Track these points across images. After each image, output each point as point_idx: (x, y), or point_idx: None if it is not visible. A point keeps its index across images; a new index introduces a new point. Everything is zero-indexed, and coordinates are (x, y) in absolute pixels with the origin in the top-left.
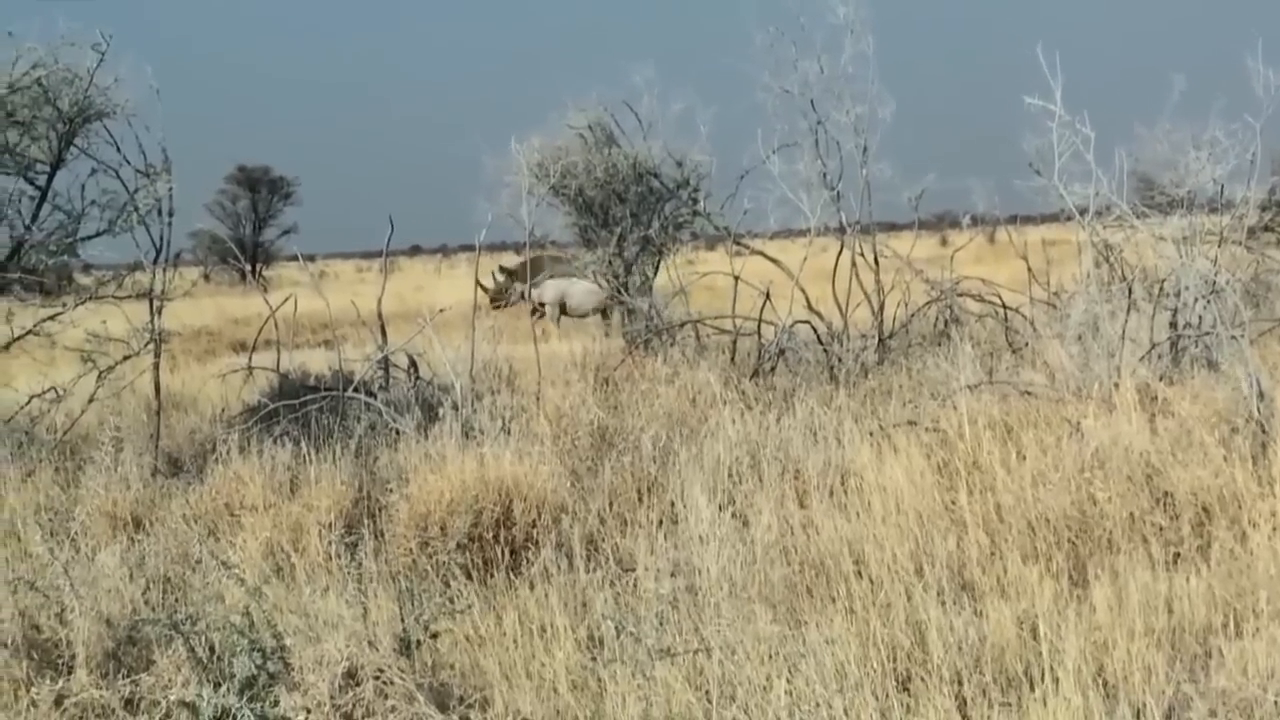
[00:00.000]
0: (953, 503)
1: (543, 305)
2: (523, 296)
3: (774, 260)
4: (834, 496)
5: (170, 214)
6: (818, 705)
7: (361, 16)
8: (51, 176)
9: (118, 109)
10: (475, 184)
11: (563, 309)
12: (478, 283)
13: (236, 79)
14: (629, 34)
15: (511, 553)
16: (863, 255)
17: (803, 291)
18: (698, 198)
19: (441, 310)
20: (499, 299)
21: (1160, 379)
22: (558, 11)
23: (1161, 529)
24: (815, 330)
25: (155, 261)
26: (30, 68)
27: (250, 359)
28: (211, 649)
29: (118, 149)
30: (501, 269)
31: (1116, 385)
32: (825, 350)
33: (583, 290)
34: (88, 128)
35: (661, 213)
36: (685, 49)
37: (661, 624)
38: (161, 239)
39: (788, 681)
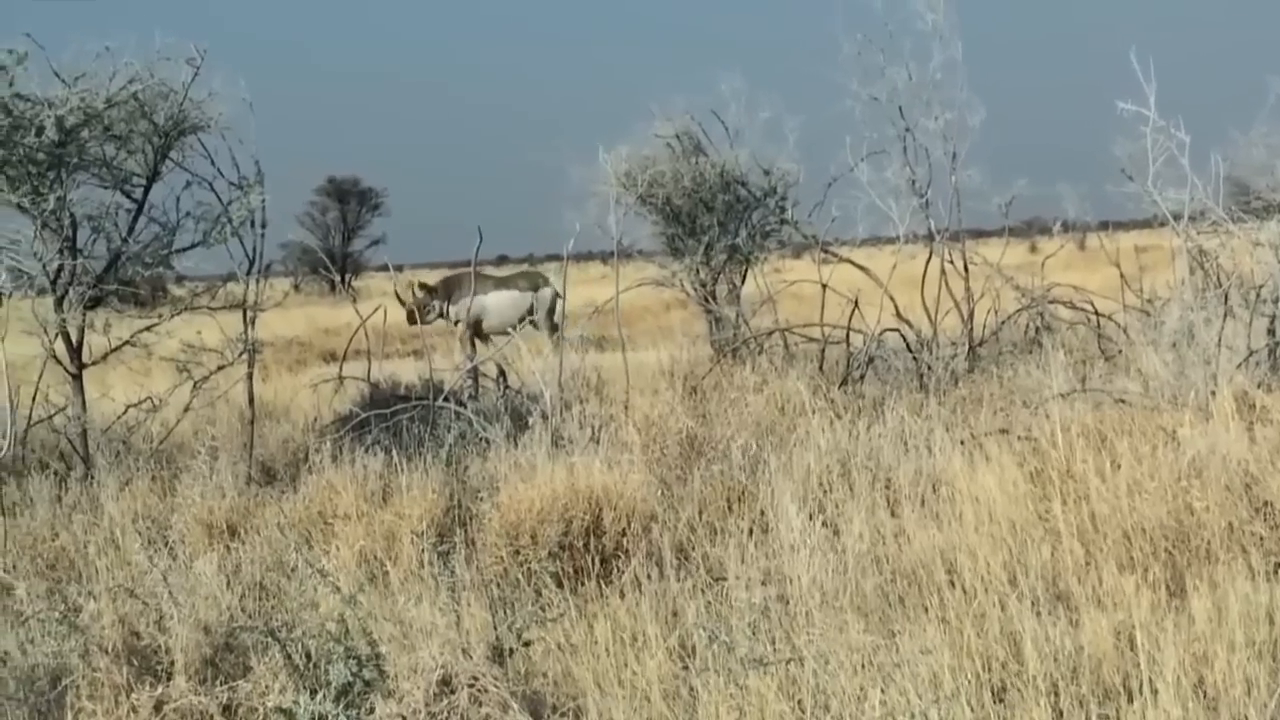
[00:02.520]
0: (1046, 512)
1: (456, 324)
2: (441, 315)
3: (862, 268)
4: (925, 505)
5: (263, 225)
6: (913, 716)
7: (451, 27)
8: (148, 190)
9: (212, 122)
10: (562, 194)
11: (477, 329)
12: (397, 297)
13: (328, 93)
14: (716, 43)
15: (602, 561)
16: (952, 262)
17: (891, 299)
18: (785, 206)
19: (532, 320)
20: (414, 316)
21: (1258, 386)
22: (643, 21)
23: (1261, 539)
24: (904, 338)
25: (248, 273)
26: (127, 82)
27: (340, 369)
28: (308, 656)
29: (212, 162)
30: (421, 285)
31: (1213, 393)
32: (915, 358)
33: (503, 303)
34: (182, 141)
35: (749, 221)
36: (772, 57)
37: (754, 633)
38: (255, 250)
39: (882, 692)
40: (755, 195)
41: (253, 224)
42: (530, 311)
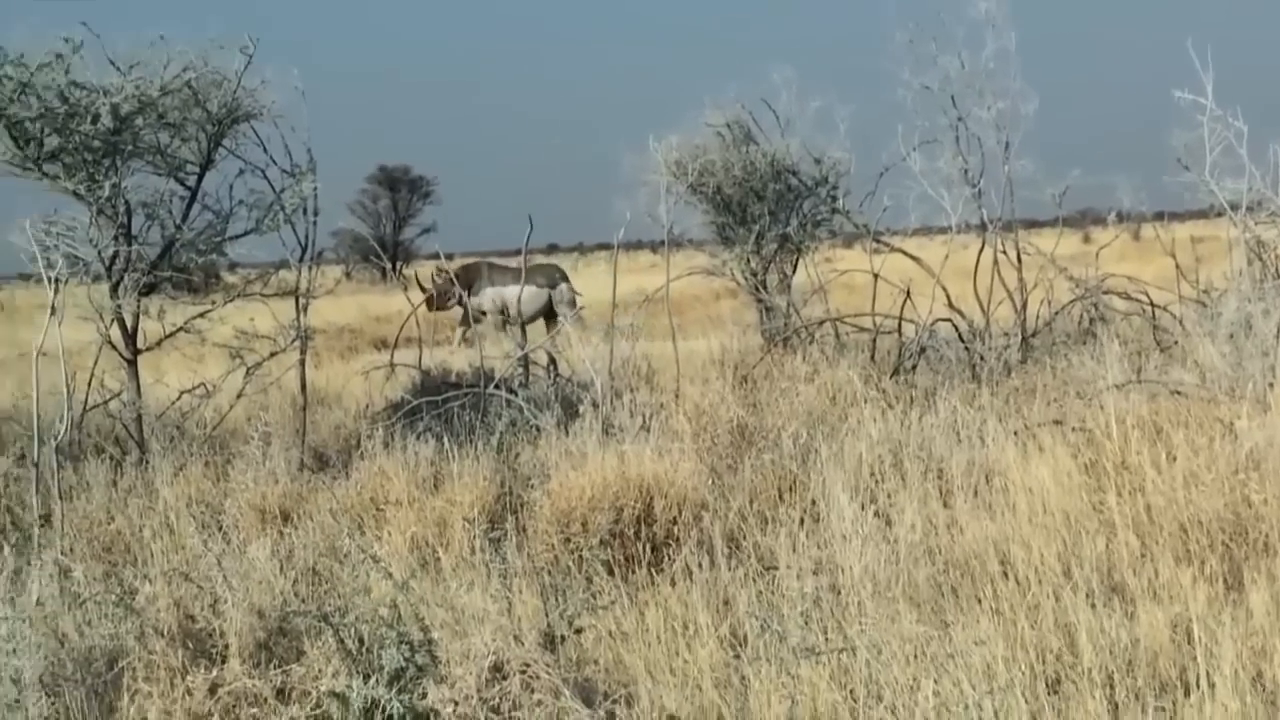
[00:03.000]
0: (1101, 503)
1: (483, 314)
2: (460, 303)
3: (914, 257)
4: (978, 496)
5: (315, 213)
6: (966, 707)
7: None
8: (201, 177)
9: (264, 110)
10: (612, 183)
11: (505, 316)
12: (419, 284)
13: (378, 79)
14: (766, 31)
15: (653, 549)
16: (1004, 252)
17: (944, 289)
18: (836, 195)
19: (581, 308)
20: (436, 302)
21: None
22: (693, 10)
23: None
24: (956, 328)
25: (301, 260)
26: (180, 71)
27: (391, 356)
28: (360, 641)
29: (264, 150)
30: (443, 271)
31: (1271, 385)
32: (967, 348)
33: (525, 296)
34: (235, 129)
35: (800, 210)
36: (823, 46)
37: (806, 622)
38: (307, 238)
39: (935, 682)
40: (806, 184)
41: (305, 211)
42: (549, 305)
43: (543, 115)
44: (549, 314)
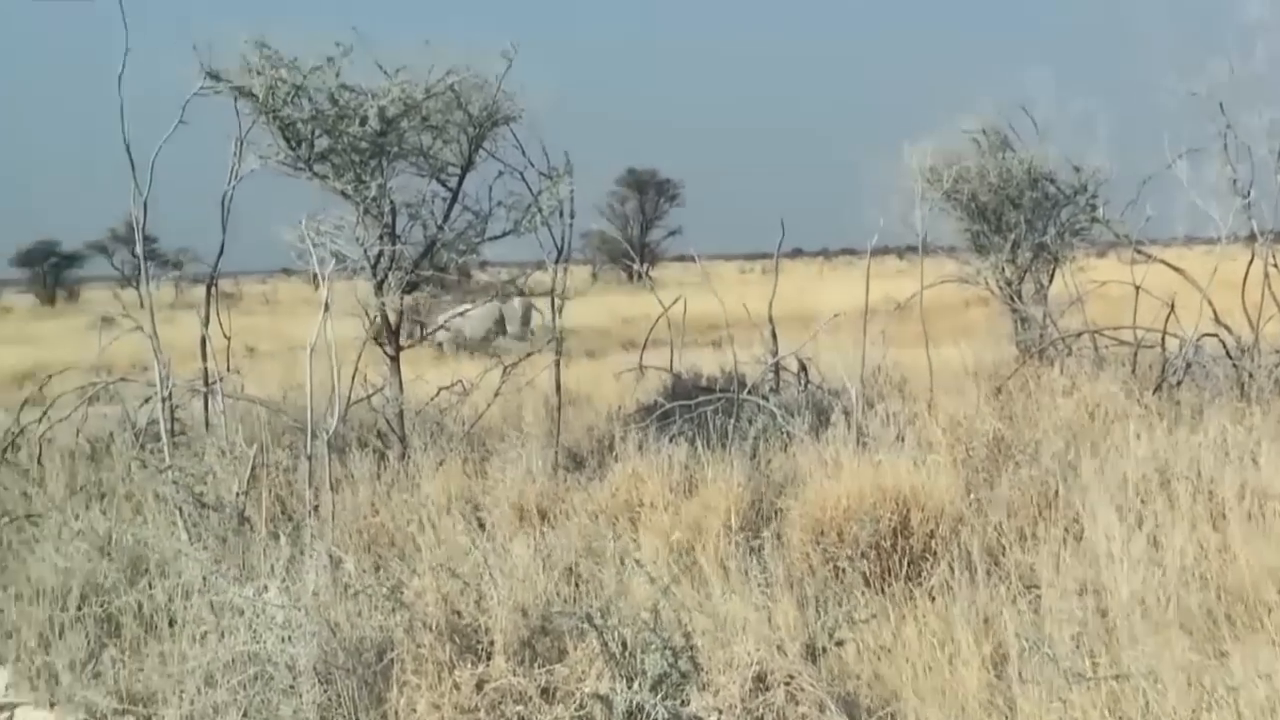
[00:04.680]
0: None
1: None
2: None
3: (1177, 269)
4: (1252, 521)
5: (572, 216)
6: None
7: (746, 18)
8: (462, 178)
9: (523, 113)
10: (860, 188)
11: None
12: (366, 314)
13: (628, 83)
14: (1023, 36)
15: (909, 562)
16: (1276, 265)
17: (1209, 303)
18: (1096, 204)
19: (836, 315)
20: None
21: None
22: (948, 14)
23: None
24: (1224, 344)
25: (556, 261)
26: (444, 74)
27: (641, 358)
28: (624, 644)
29: (523, 152)
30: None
31: None
32: (1235, 365)
33: (474, 319)
34: (495, 131)
35: (1057, 219)
36: (1084, 52)
37: (1076, 646)
38: (563, 239)
39: (1215, 716)
40: (1064, 193)
41: (561, 214)
42: (501, 321)
43: (789, 118)
44: (512, 329)
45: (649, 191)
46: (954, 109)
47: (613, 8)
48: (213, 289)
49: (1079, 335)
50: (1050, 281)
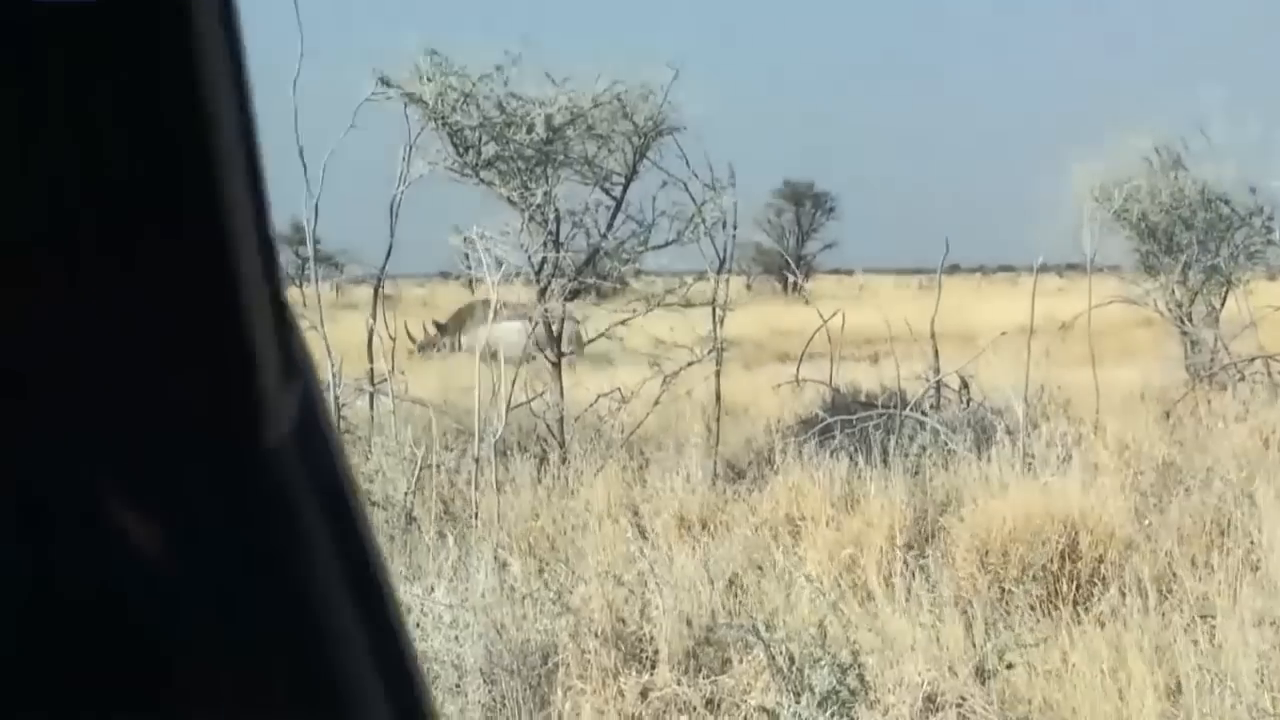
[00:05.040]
0: None
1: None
2: (451, 349)
3: None
4: None
5: (735, 227)
6: None
7: (902, 29)
8: (626, 187)
9: (686, 125)
10: (1024, 205)
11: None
12: (407, 332)
13: (787, 92)
14: (1195, 55)
15: (1077, 587)
16: None
17: None
18: (1273, 226)
19: (1003, 334)
20: (424, 349)
21: None
22: (1119, 30)
23: None
24: None
25: (719, 272)
26: (610, 83)
27: (798, 371)
28: (791, 659)
29: (686, 163)
30: (435, 323)
31: None
32: None
33: (510, 332)
34: (659, 141)
35: (1231, 241)
36: (1259, 72)
37: (1260, 680)
38: (725, 250)
39: None
40: (1240, 214)
41: (724, 225)
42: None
43: (949, 131)
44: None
45: (805, 203)
46: (1124, 126)
47: (779, 18)
48: (379, 290)
49: (1252, 360)
50: (1222, 304)
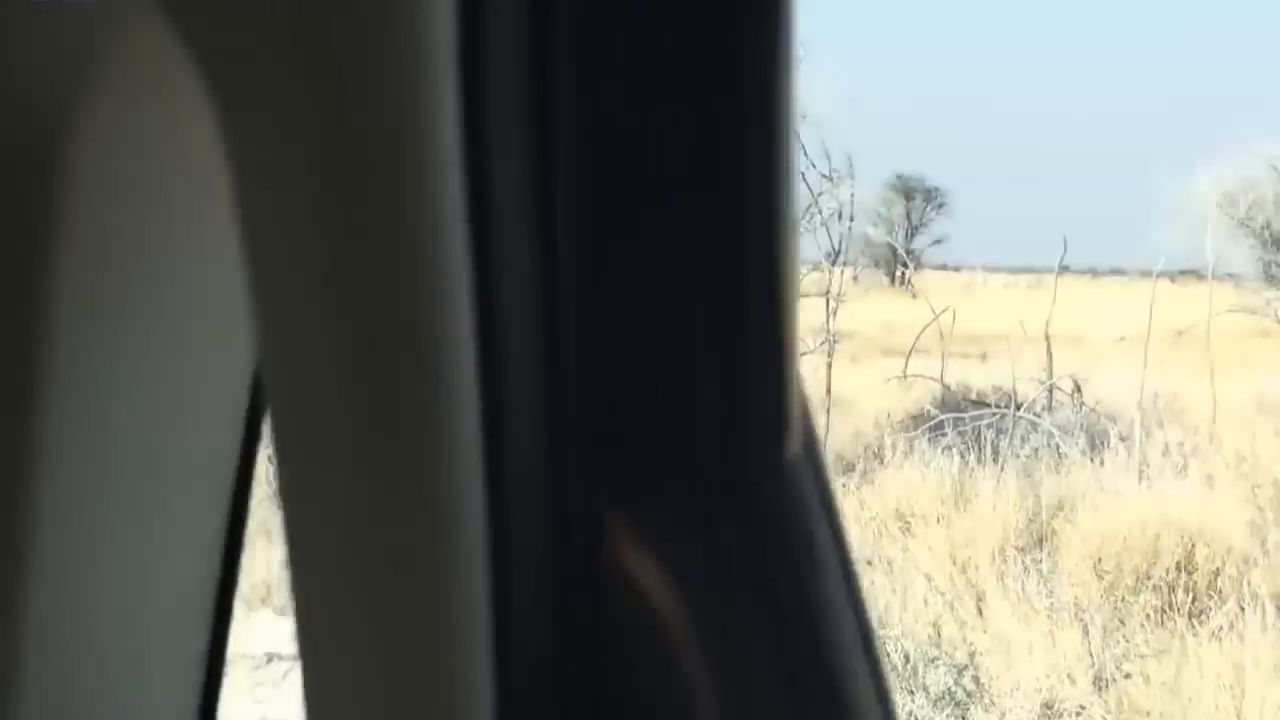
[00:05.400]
0: None
1: None
2: None
3: None
4: None
5: (851, 219)
6: None
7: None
8: None
9: (807, 115)
10: (1141, 209)
11: None
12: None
13: (910, 87)
14: None
15: (1193, 599)
16: None
17: None
18: None
19: (1122, 338)
20: None
21: None
22: (1249, 39)
23: None
24: None
25: (834, 263)
26: None
27: (905, 365)
28: (905, 657)
29: (804, 153)
30: None
31: None
32: None
33: None
34: None
35: None
36: None
37: None
38: (841, 242)
39: None
40: None
41: (840, 216)
42: None
43: (1069, 133)
44: None
45: (916, 198)
46: (1253, 133)
47: (905, 12)
48: None
49: None
50: None
